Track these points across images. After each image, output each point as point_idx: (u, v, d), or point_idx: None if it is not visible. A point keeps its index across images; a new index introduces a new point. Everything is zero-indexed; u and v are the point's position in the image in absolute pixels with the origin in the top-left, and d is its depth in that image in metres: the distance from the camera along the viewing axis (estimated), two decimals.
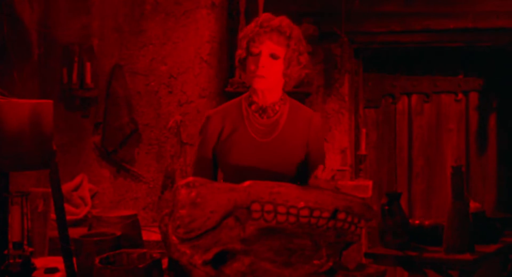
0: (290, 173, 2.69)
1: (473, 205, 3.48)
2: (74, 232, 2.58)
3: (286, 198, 2.06)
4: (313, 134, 2.74)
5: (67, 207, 4.21)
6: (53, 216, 2.63)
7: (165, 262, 2.36)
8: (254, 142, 2.69)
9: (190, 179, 2.05)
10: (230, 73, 4.76)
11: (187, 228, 2.02)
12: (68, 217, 3.72)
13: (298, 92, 4.66)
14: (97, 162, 4.81)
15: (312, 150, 2.73)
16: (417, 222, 3.58)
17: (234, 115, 2.73)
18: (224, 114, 2.74)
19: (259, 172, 2.63)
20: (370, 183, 4.91)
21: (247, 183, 2.08)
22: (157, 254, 2.26)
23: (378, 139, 5.49)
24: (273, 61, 2.63)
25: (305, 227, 2.09)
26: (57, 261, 2.66)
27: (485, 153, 5.59)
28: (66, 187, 4.42)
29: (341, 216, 2.11)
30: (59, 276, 2.60)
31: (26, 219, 2.41)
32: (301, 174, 2.72)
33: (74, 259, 2.43)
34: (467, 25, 4.79)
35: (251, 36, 2.62)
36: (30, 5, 4.62)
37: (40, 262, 2.70)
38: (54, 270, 2.63)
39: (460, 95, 5.56)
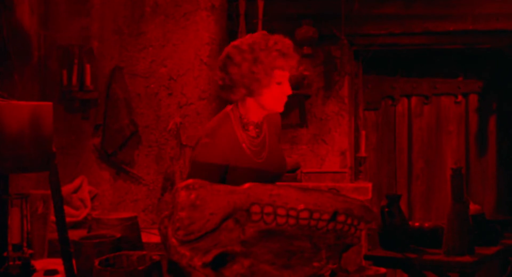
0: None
1: (473, 207, 3.48)
2: (74, 234, 2.58)
3: (285, 200, 2.06)
4: (279, 133, 2.80)
5: (66, 209, 4.21)
6: (52, 218, 2.63)
7: (165, 264, 2.36)
8: (254, 164, 2.62)
9: (190, 181, 2.05)
10: None
11: (186, 230, 2.02)
12: (68, 219, 3.73)
13: (298, 95, 4.66)
14: (97, 164, 4.81)
15: None
16: (417, 224, 3.57)
17: (232, 144, 2.58)
18: (222, 148, 2.55)
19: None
20: (369, 185, 4.91)
21: (246, 185, 2.08)
22: (156, 256, 2.26)
23: (377, 141, 5.49)
24: None
25: (304, 229, 2.09)
26: (57, 263, 2.66)
27: (485, 155, 5.59)
28: (65, 189, 4.42)
29: (341, 218, 2.11)
30: None
31: (26, 221, 2.41)
32: None
33: (74, 261, 2.43)
34: (467, 27, 4.79)
35: (273, 64, 2.51)
36: (30, 8, 4.62)
37: (40, 264, 2.70)
38: (54, 272, 2.63)
39: (460, 98, 5.55)
